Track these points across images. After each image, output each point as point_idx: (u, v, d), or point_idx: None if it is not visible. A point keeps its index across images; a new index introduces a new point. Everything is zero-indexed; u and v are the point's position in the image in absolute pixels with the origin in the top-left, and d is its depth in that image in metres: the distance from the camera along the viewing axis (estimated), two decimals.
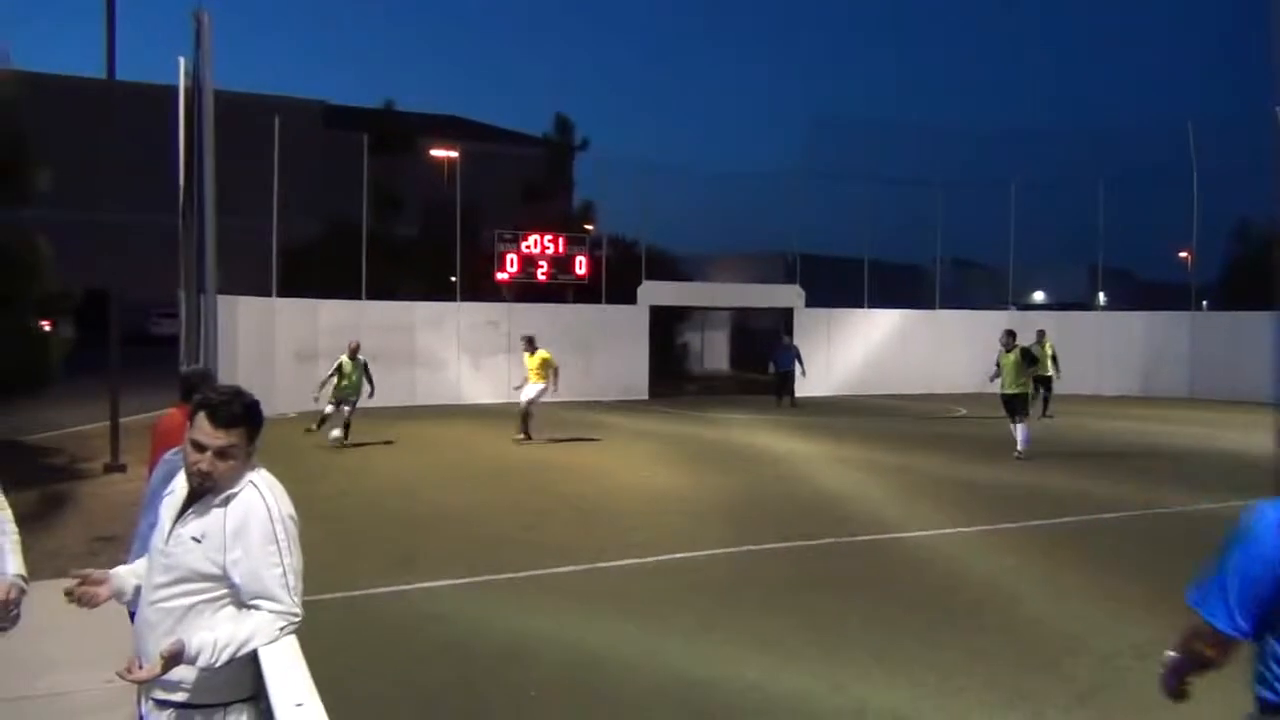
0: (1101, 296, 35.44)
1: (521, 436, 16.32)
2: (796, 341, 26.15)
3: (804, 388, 26.01)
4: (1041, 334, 21.68)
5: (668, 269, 30.69)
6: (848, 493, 11.68)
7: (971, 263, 40.59)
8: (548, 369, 16.44)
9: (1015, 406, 15.19)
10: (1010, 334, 15.64)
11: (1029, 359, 15.47)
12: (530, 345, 16.77)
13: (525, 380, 16.67)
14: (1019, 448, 14.84)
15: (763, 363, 26.48)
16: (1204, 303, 32.86)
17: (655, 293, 26.91)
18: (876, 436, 17.95)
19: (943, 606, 6.91)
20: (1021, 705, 5.10)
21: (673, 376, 30.03)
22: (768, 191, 32.92)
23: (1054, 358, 21.48)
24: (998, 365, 15.37)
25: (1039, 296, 48.13)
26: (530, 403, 16.45)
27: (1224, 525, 8.17)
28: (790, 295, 28.28)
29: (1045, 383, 20.53)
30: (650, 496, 11.37)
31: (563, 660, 5.77)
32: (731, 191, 40.11)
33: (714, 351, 38.42)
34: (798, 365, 24.48)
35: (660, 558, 8.27)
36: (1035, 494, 11.66)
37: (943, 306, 30.74)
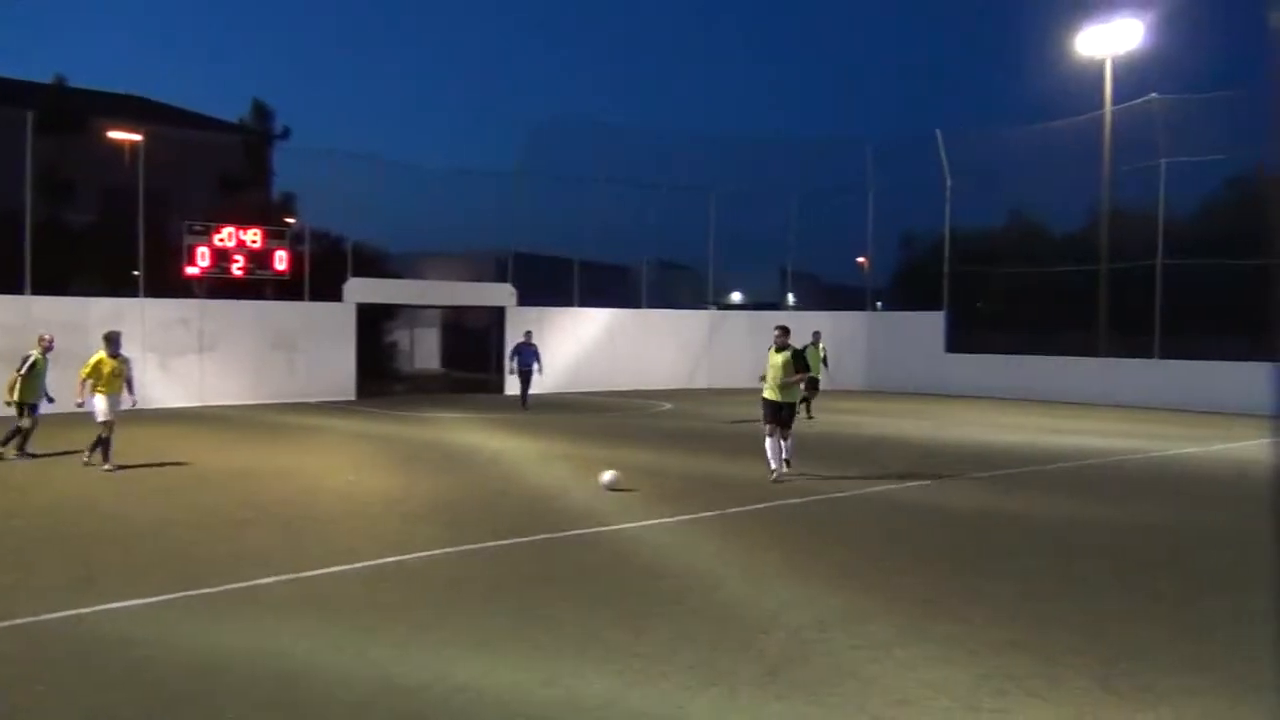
0: (790, 297, 38.11)
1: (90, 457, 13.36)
2: (508, 339, 26.27)
3: (516, 386, 26.14)
4: (817, 335, 21.41)
5: (377, 266, 29.87)
6: (561, 488, 11.89)
7: (676, 264, 42.38)
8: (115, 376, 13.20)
9: (781, 416, 12.62)
10: (784, 330, 13.12)
11: (800, 362, 12.93)
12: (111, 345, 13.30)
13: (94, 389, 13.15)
14: (773, 467, 12.46)
15: (475, 361, 26.39)
16: (878, 304, 36.17)
17: (363, 290, 26.13)
18: (587, 432, 18.38)
19: (649, 595, 7.19)
20: (719, 683, 5.41)
21: (382, 376, 29.31)
22: (482, 190, 32.75)
23: (824, 360, 21.15)
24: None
25: (736, 297, 51.02)
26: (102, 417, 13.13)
27: (901, 505, 9.00)
28: (502, 294, 28.36)
29: (813, 384, 19.72)
30: (359, 500, 11.03)
31: (264, 677, 5.49)
32: (445, 189, 39.60)
33: (425, 350, 37.86)
34: (536, 364, 23.47)
35: (370, 563, 8.05)
36: (736, 483, 12.38)
37: (649, 306, 31.94)
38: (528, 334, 23.96)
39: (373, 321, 28.83)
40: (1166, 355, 26.39)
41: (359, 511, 10.36)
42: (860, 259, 36.01)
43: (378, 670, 5.59)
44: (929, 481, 12.77)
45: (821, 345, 21.19)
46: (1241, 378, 24.37)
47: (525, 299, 28.40)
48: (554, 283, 30.01)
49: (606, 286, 32.41)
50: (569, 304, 29.70)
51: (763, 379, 12.92)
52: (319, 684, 5.39)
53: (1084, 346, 28.38)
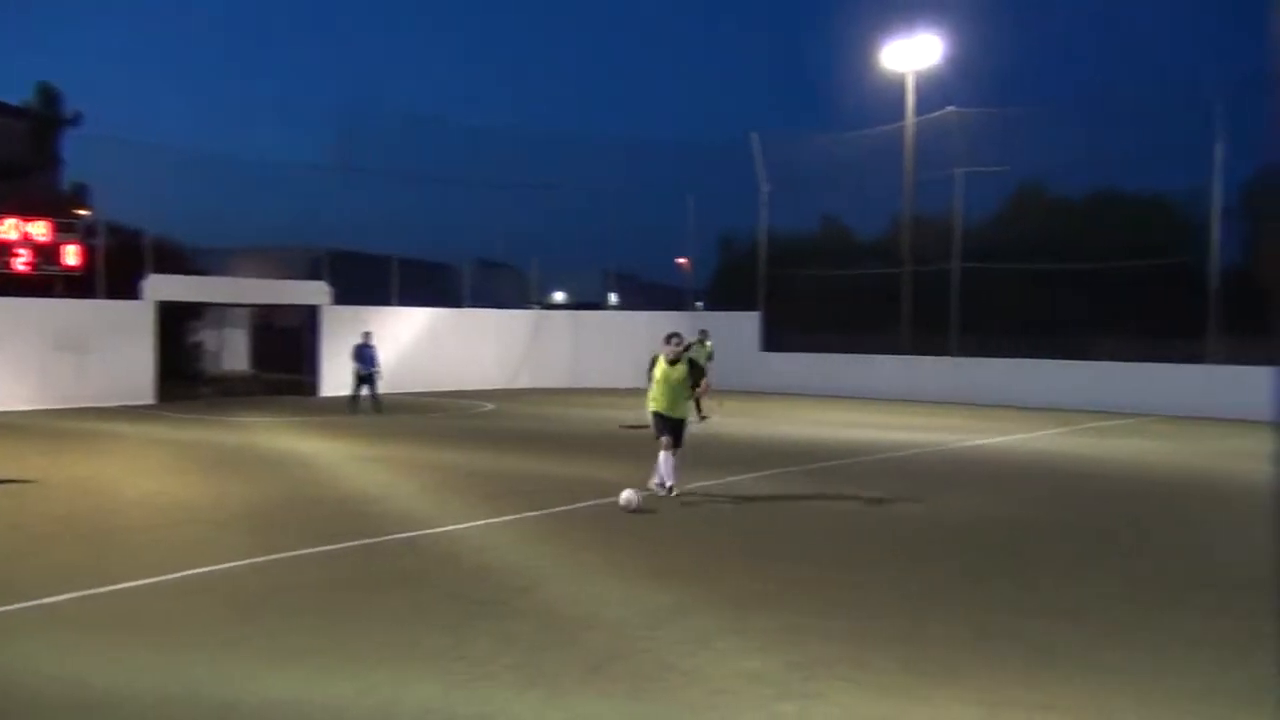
0: (613, 297, 38.49)
1: None
2: (323, 339, 25.43)
3: (331, 387, 25.36)
4: (704, 334, 20.96)
5: (180, 262, 28.32)
6: (379, 492, 11.61)
7: (498, 263, 42.10)
8: None
9: (678, 431, 11.47)
10: (679, 339, 11.60)
11: (699, 373, 11.43)
12: None
13: None
14: (668, 482, 11.39)
15: (288, 362, 25.39)
16: (698, 304, 37.00)
17: (165, 287, 24.74)
18: (407, 434, 18.01)
19: (471, 597, 7.12)
20: (541, 683, 5.42)
21: (186, 378, 27.81)
22: (294, 183, 31.57)
23: (710, 356, 20.22)
24: (654, 372, 11.48)
25: (559, 297, 51.13)
26: None
27: (723, 501, 9.19)
28: (316, 292, 27.43)
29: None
30: (163, 510, 10.44)
31: (63, 702, 5.13)
32: (254, 182, 37.95)
33: (234, 351, 36.18)
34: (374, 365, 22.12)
35: (177, 575, 7.64)
36: (559, 482, 12.41)
37: (471, 305, 31.61)
38: (366, 334, 22.76)
39: (176, 320, 27.31)
40: (964, 354, 28.16)
41: (164, 522, 9.81)
42: (680, 260, 36.76)
43: (185, 689, 5.32)
44: (750, 477, 13.16)
45: (708, 343, 20.82)
46: (1028, 374, 26.28)
47: (341, 298, 27.56)
48: (372, 281, 29.25)
49: (427, 285, 31.85)
50: (387, 303, 29.03)
51: (652, 386, 11.46)
52: (122, 706, 5.08)
53: (889, 346, 29.91)
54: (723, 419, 20.63)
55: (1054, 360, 26.39)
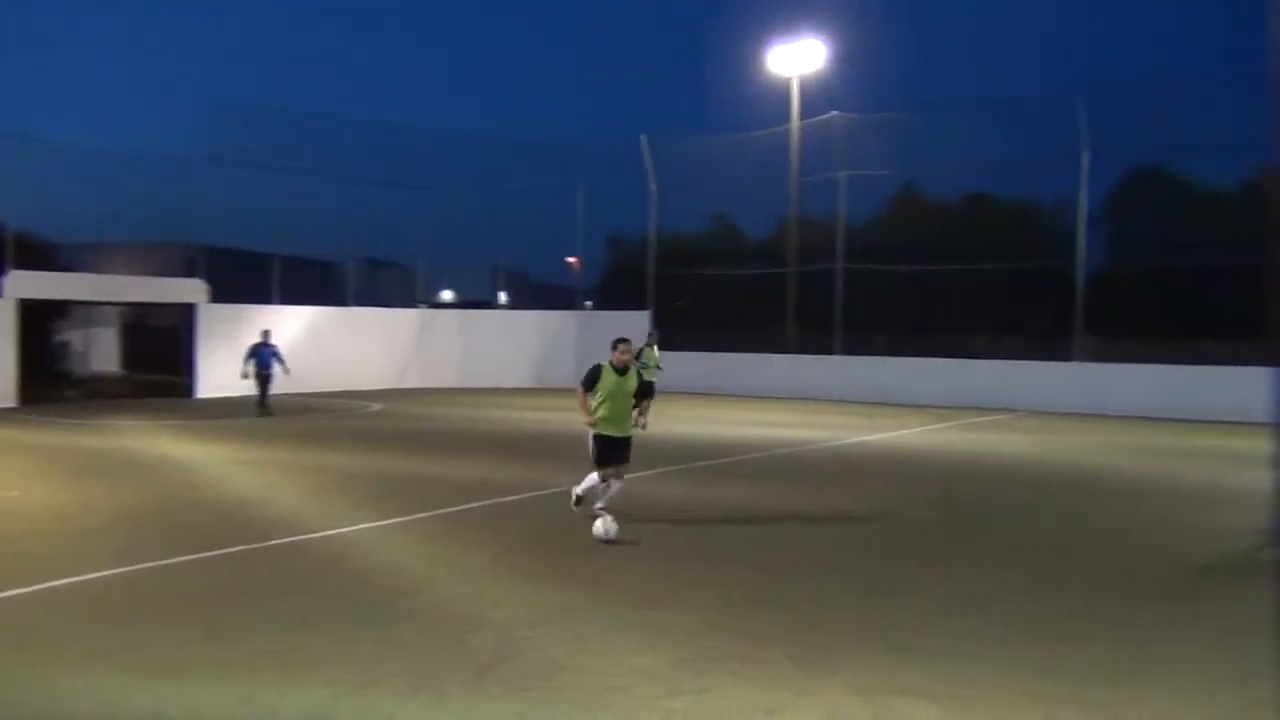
0: (502, 296, 38.22)
1: None
2: (199, 339, 24.56)
3: (208, 389, 24.53)
4: (653, 336, 20.63)
5: (45, 258, 26.98)
6: (260, 496, 11.27)
7: (384, 261, 41.35)
8: None
9: (623, 453, 9.89)
10: (625, 343, 10.01)
11: (645, 388, 9.56)
12: None
13: None
14: (581, 497, 9.97)
15: (162, 363, 24.42)
16: (588, 303, 37.01)
17: (27, 284, 23.54)
18: (291, 436, 17.54)
19: (356, 602, 6.98)
20: (429, 687, 5.34)
21: (51, 380, 26.48)
22: (165, 176, 30.26)
23: (658, 364, 19.55)
24: (600, 385, 9.68)
25: (448, 295, 50.49)
26: None
27: (613, 499, 9.05)
28: (192, 290, 26.49)
29: (649, 389, 17.80)
30: (26, 518, 9.92)
31: None
32: (123, 174, 36.28)
33: (103, 351, 34.62)
34: (277, 364, 21.19)
35: (42, 586, 7.27)
36: (446, 483, 12.25)
37: (357, 304, 30.96)
38: (265, 333, 21.73)
39: (40, 319, 25.98)
40: (847, 353, 28.86)
41: (27, 531, 9.32)
42: (570, 259, 36.71)
43: (52, 704, 5.07)
44: (639, 475, 13.22)
45: (656, 349, 19.93)
46: (908, 372, 27.11)
47: (220, 296, 26.66)
48: (252, 279, 28.37)
49: (310, 284, 31.04)
50: (269, 302, 28.20)
51: (595, 402, 9.67)
52: None
53: (777, 345, 30.46)
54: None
55: (932, 359, 27.29)
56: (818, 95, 31.74)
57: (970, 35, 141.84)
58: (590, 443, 9.76)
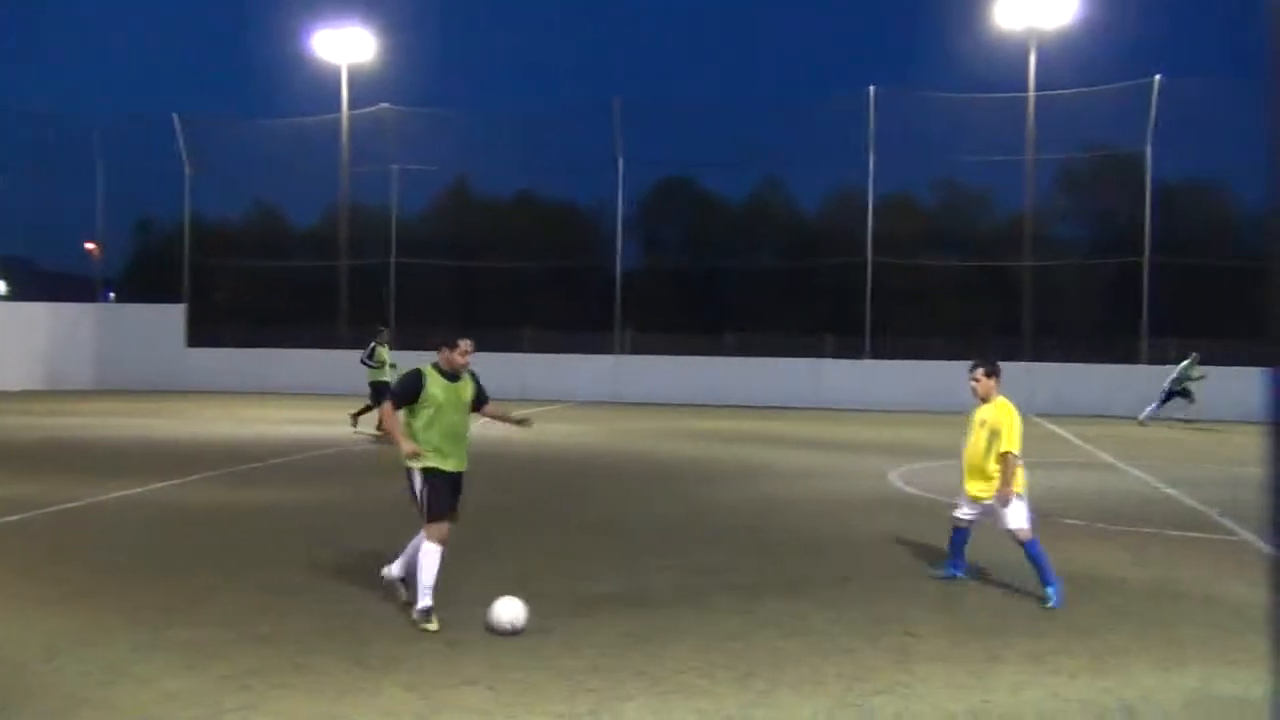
0: (2, 285, 33.39)
1: None
2: None
3: None
4: (382, 334, 18.04)
5: None
6: None
7: None
8: None
9: (459, 492, 6.78)
10: (468, 340, 6.91)
11: (483, 396, 7.09)
12: None
13: None
14: (397, 574, 7.03)
15: None
16: (110, 294, 33.39)
17: None
18: None
19: None
20: None
21: None
22: None
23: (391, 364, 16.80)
24: (424, 399, 6.62)
25: None
26: None
27: (141, 511, 8.39)
28: None
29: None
30: None
31: None
32: None
33: None
34: None
35: None
36: None
37: None
38: None
39: None
40: (404, 348, 28.66)
41: None
42: (89, 245, 32.85)
43: None
44: (173, 483, 12.16)
45: (387, 345, 17.69)
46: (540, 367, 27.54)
47: None
48: None
49: None
50: None
51: (417, 423, 6.57)
52: None
53: (328, 339, 29.49)
54: (146, 421, 18.85)
55: (483, 353, 27.96)
56: (368, 87, 31.24)
57: (524, 43, 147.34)
58: (415, 484, 6.56)
